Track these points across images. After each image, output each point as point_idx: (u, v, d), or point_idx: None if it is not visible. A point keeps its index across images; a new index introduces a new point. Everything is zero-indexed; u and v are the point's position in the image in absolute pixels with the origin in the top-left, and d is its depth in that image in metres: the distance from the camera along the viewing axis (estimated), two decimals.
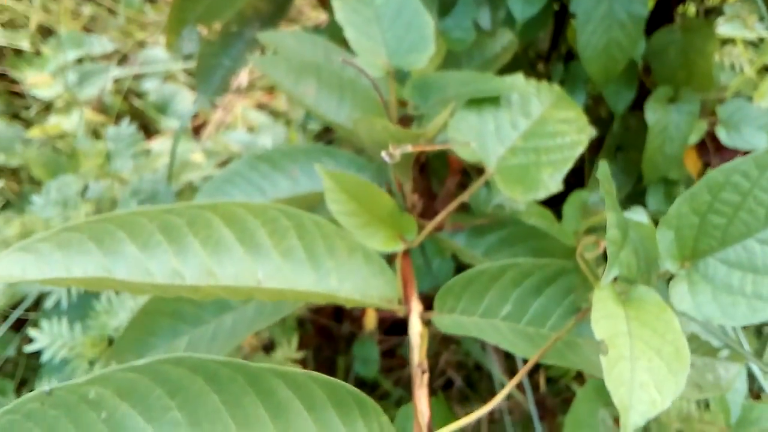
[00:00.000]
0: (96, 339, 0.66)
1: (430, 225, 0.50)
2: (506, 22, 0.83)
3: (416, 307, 0.44)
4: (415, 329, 0.42)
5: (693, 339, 0.48)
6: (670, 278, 0.41)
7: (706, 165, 1.17)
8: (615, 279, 0.39)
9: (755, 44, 1.26)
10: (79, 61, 1.79)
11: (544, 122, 0.52)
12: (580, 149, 0.50)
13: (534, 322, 0.43)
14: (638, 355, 0.35)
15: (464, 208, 0.71)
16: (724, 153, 1.13)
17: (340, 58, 0.46)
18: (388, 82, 0.53)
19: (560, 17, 1.03)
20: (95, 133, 1.30)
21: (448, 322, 0.43)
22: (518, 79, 0.52)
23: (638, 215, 0.59)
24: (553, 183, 0.47)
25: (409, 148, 0.36)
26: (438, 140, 0.59)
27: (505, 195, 0.47)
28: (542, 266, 0.43)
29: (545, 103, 0.54)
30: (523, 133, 0.50)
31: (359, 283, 0.41)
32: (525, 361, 0.41)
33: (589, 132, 0.52)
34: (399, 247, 0.48)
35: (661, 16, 0.98)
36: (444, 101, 0.51)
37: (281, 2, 1.00)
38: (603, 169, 0.45)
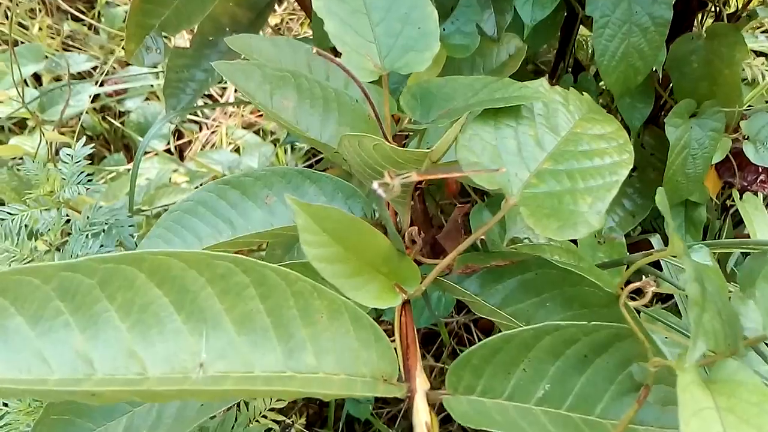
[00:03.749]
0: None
1: (437, 269, 0.39)
2: (513, 28, 0.74)
3: (422, 384, 0.33)
4: (422, 418, 0.31)
5: None
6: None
7: (727, 185, 1.08)
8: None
9: None
10: (57, 79, 1.69)
11: (576, 139, 0.41)
12: (624, 172, 0.39)
13: (580, 406, 0.32)
14: None
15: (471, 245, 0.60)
16: (748, 169, 1.03)
17: (314, 50, 0.36)
18: (381, 90, 0.43)
19: (568, 24, 0.94)
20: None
21: (464, 407, 0.32)
22: (543, 84, 0.42)
23: (701, 256, 0.49)
24: (594, 216, 0.36)
25: (414, 177, 0.25)
26: (447, 167, 0.49)
27: (532, 230, 0.37)
28: (590, 330, 0.32)
29: (575, 115, 0.43)
30: (552, 153, 0.40)
31: (344, 357, 0.30)
32: None
33: (632, 151, 0.42)
34: (395, 301, 0.37)
35: (680, 24, 0.88)
36: (450, 114, 0.41)
37: (261, 8, 0.90)
38: (661, 198, 0.35)
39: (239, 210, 0.54)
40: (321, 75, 0.59)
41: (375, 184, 0.25)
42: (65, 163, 0.73)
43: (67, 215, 0.74)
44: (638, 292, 0.42)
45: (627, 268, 0.71)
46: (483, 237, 0.58)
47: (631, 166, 0.40)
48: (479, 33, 0.70)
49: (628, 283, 0.43)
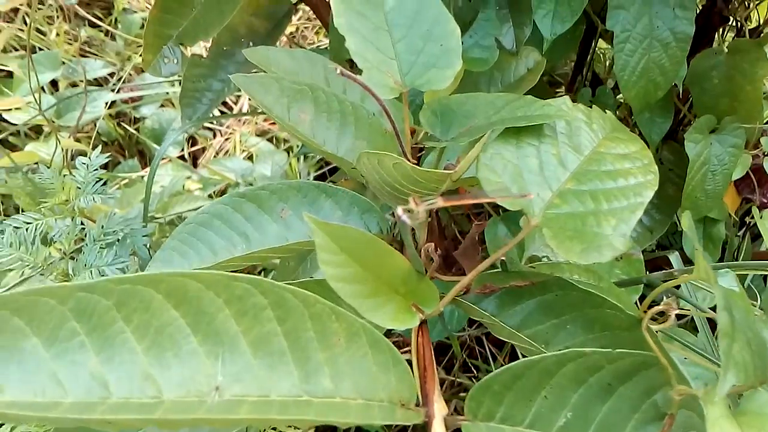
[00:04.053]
0: None
1: (455, 289, 0.38)
2: (531, 42, 0.73)
3: (440, 410, 0.32)
4: None
5: None
6: None
7: (745, 201, 1.06)
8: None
9: None
10: (73, 85, 1.70)
11: (600, 159, 0.40)
12: (649, 194, 0.39)
13: None
14: None
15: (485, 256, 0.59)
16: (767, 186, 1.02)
17: (338, 70, 0.35)
18: (401, 107, 0.43)
19: (587, 38, 0.93)
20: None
21: None
22: (566, 102, 0.41)
23: (727, 281, 0.48)
24: (618, 239, 0.35)
25: (440, 203, 0.25)
26: (474, 192, 0.48)
27: (558, 255, 0.36)
28: (615, 358, 0.31)
29: (599, 133, 0.42)
30: (575, 173, 0.39)
31: (362, 381, 0.30)
32: None
33: (657, 172, 0.41)
34: (413, 322, 0.36)
35: (701, 39, 0.87)
36: (471, 131, 0.40)
37: (279, 19, 0.90)
38: (688, 222, 0.34)
39: (254, 223, 0.53)
40: (338, 88, 0.59)
41: (399, 210, 0.25)
42: (80, 171, 0.73)
43: (82, 223, 0.74)
44: (660, 314, 0.41)
45: (645, 286, 0.69)
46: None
47: (656, 188, 0.39)
48: (498, 47, 0.70)
49: (649, 304, 0.42)
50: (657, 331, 0.40)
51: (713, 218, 0.96)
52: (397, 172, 0.35)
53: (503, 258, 0.52)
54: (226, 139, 1.78)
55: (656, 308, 0.40)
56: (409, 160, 0.38)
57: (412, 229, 0.51)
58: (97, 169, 0.73)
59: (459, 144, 0.40)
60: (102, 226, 0.68)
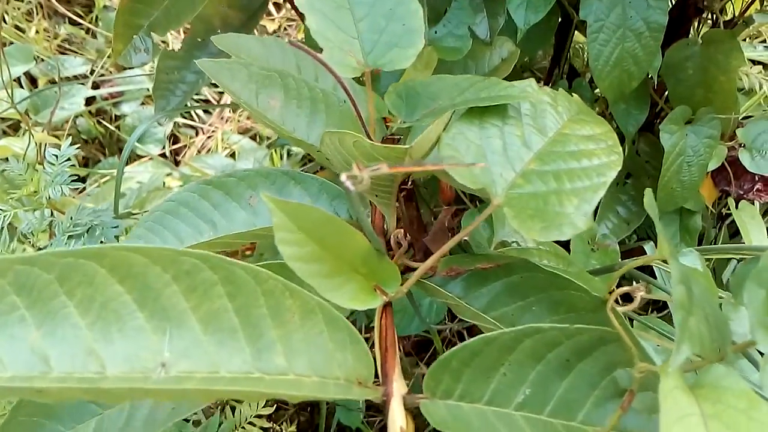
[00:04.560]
0: None
1: (419, 271, 0.38)
2: (506, 32, 0.73)
3: (399, 388, 0.32)
4: (396, 423, 0.30)
5: None
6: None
7: (723, 194, 1.07)
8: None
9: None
10: (52, 82, 1.68)
11: (564, 140, 0.40)
12: (612, 174, 0.38)
13: (561, 412, 0.30)
14: None
15: (459, 247, 0.59)
16: (744, 178, 1.02)
17: (287, 40, 0.35)
18: (365, 89, 0.42)
19: (563, 30, 0.93)
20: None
21: (442, 412, 0.31)
22: (531, 84, 0.41)
23: (691, 260, 0.48)
24: (580, 217, 0.35)
25: (384, 169, 0.24)
26: (429, 161, 0.48)
27: (519, 233, 0.35)
28: (572, 333, 0.31)
29: (564, 115, 0.42)
30: (539, 153, 0.39)
31: (317, 358, 0.29)
32: None
33: (621, 153, 0.41)
34: (375, 302, 0.36)
35: (676, 30, 0.88)
36: (436, 112, 0.40)
37: (253, 10, 0.89)
38: (649, 200, 0.34)
39: (222, 211, 0.53)
40: (310, 76, 0.58)
41: (343, 176, 0.24)
42: (51, 164, 0.72)
43: (52, 214, 0.73)
44: (629, 299, 0.41)
45: (623, 278, 0.69)
46: (470, 242, 0.57)
47: (620, 168, 0.39)
48: (471, 36, 0.70)
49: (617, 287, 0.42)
50: (631, 320, 0.40)
51: (690, 210, 0.96)
52: (357, 150, 0.35)
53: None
54: (209, 137, 1.76)
55: (621, 290, 0.40)
56: (371, 140, 0.37)
57: (384, 218, 0.51)
58: (69, 159, 0.72)
59: (423, 125, 0.40)
60: (71, 218, 0.67)
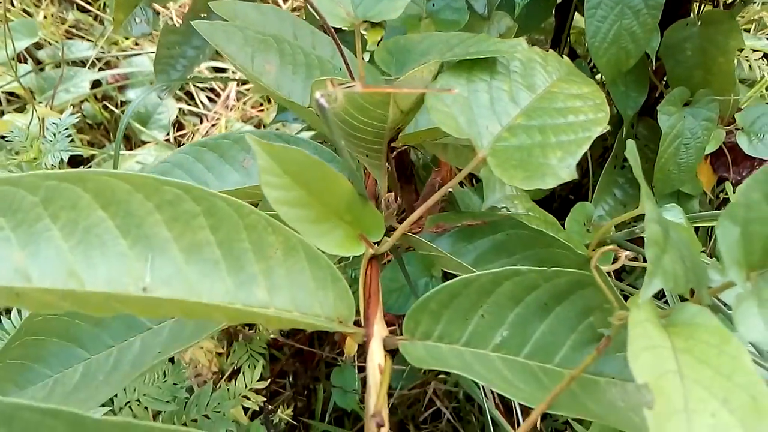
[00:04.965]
0: None
1: (406, 222, 0.38)
2: (504, 7, 0.73)
3: (379, 330, 0.32)
4: (375, 360, 0.30)
5: None
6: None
7: (721, 179, 1.07)
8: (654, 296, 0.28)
9: None
10: (59, 66, 1.68)
11: (552, 97, 0.40)
12: (598, 130, 0.39)
13: (538, 354, 0.31)
14: (697, 407, 0.23)
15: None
16: (743, 164, 1.02)
17: None
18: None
19: (563, 10, 0.93)
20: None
21: (420, 352, 0.31)
22: (521, 42, 0.41)
23: (673, 214, 0.48)
24: (563, 169, 0.35)
25: (358, 87, 0.24)
26: (419, 124, 0.48)
27: (504, 183, 0.36)
28: (550, 276, 0.31)
29: (553, 75, 0.42)
30: (526, 109, 0.39)
31: (299, 295, 0.30)
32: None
33: (608, 111, 0.41)
34: (359, 250, 0.36)
35: (675, 10, 0.88)
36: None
37: None
38: (631, 149, 0.34)
39: (216, 172, 0.53)
40: (307, 43, 0.59)
41: (317, 94, 0.24)
42: (52, 133, 0.72)
43: None
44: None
45: (616, 259, 0.70)
46: (461, 207, 0.57)
47: (606, 125, 0.39)
48: (469, 10, 0.70)
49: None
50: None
51: (687, 194, 0.96)
52: (345, 97, 0.35)
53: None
54: (213, 125, 1.77)
55: (605, 248, 0.40)
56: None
57: (376, 183, 0.51)
58: (67, 129, 0.72)
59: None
60: None
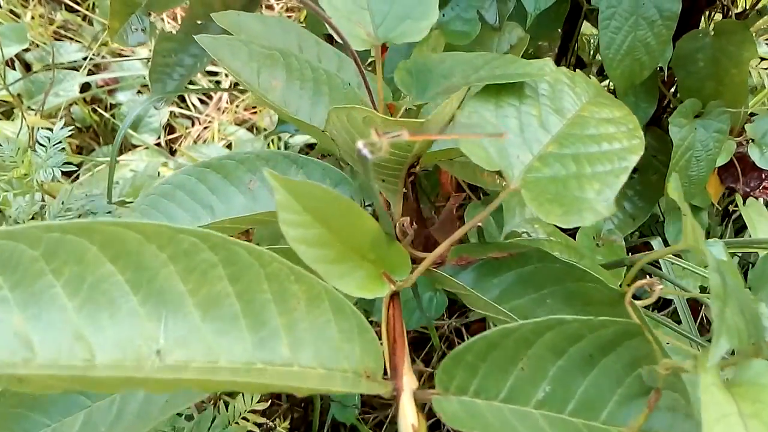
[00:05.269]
0: None
1: (429, 258, 0.36)
2: (515, 17, 0.71)
3: (409, 383, 0.30)
4: (408, 419, 0.28)
5: None
6: None
7: (729, 190, 1.05)
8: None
9: None
10: (48, 68, 1.65)
11: (583, 122, 0.38)
12: (634, 159, 0.36)
13: (584, 411, 0.28)
14: None
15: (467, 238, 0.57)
16: (752, 176, 1.00)
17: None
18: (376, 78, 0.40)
19: (572, 19, 0.91)
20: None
21: (455, 408, 0.29)
22: (548, 64, 0.39)
23: (717, 250, 0.46)
24: (601, 203, 0.33)
25: (405, 135, 0.22)
26: (434, 145, 0.46)
27: (530, 224, 0.33)
28: (596, 326, 0.29)
29: (582, 97, 0.40)
30: (557, 136, 0.37)
31: (324, 350, 0.27)
32: None
33: (642, 137, 0.39)
34: (382, 291, 0.34)
35: (687, 21, 0.86)
36: (448, 91, 0.38)
37: None
38: (675, 184, 0.32)
39: (220, 195, 0.50)
40: (313, 56, 0.56)
41: (360, 143, 0.22)
42: (42, 146, 0.69)
43: (43, 202, 0.71)
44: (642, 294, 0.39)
45: (629, 268, 0.68)
46: (481, 232, 0.55)
47: (642, 152, 0.37)
48: (480, 21, 0.67)
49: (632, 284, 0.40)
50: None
51: (696, 206, 0.94)
52: (366, 127, 0.33)
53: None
54: (205, 128, 1.74)
55: (640, 282, 0.38)
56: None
57: (388, 205, 0.49)
58: (60, 142, 0.69)
59: (437, 105, 0.37)
60: (62, 202, 0.65)
